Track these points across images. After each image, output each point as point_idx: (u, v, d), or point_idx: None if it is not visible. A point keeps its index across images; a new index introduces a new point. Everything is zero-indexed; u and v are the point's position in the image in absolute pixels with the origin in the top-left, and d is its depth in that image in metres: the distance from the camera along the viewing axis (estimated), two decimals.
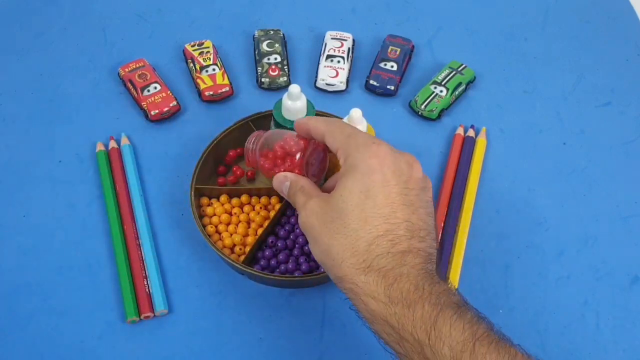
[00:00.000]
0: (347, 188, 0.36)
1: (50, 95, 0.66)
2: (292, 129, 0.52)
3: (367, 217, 0.35)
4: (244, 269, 0.49)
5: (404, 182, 0.36)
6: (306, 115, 0.52)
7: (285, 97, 0.51)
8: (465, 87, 0.66)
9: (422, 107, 0.63)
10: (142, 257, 0.53)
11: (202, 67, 0.66)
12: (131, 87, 0.64)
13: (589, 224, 0.57)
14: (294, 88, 0.50)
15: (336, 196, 0.36)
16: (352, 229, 0.35)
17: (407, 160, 0.38)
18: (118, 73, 0.66)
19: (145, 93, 0.63)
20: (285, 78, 0.66)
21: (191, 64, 0.67)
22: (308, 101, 0.53)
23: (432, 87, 0.65)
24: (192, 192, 0.53)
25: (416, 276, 0.34)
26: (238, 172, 0.58)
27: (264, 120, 0.59)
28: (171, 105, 0.63)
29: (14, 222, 0.56)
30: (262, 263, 0.52)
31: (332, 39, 0.70)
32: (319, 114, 0.56)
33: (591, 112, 0.66)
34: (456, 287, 0.52)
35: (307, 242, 0.53)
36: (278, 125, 0.53)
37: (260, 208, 0.55)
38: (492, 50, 0.72)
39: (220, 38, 0.71)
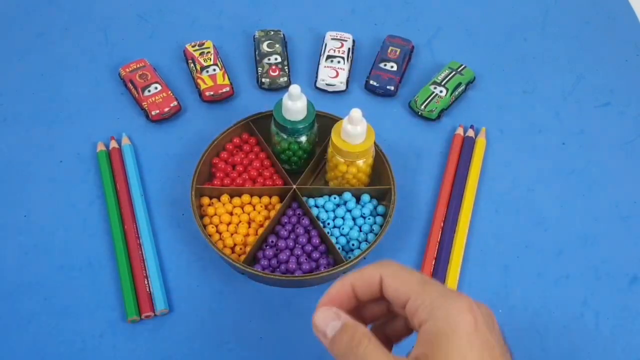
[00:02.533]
0: (460, 349, 0.27)
1: (51, 95, 0.66)
2: (292, 129, 0.53)
3: None
4: (245, 268, 0.49)
5: (496, 338, 0.29)
6: (306, 116, 0.51)
7: (285, 97, 0.51)
8: (465, 88, 0.66)
9: (422, 107, 0.64)
10: (142, 257, 0.53)
11: (203, 68, 0.66)
12: (132, 87, 0.65)
13: (589, 224, 0.57)
14: (294, 89, 0.49)
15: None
16: None
17: (487, 309, 0.30)
18: (119, 73, 0.67)
19: (146, 93, 0.63)
20: (285, 78, 0.66)
21: (192, 64, 0.67)
22: (308, 102, 0.53)
23: (431, 87, 0.65)
24: (193, 192, 0.53)
25: None
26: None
27: (264, 120, 0.59)
28: (172, 105, 0.63)
29: (15, 222, 0.56)
30: (262, 263, 0.52)
31: (332, 39, 0.70)
32: (319, 114, 0.56)
33: (591, 112, 0.66)
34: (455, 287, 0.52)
35: (308, 242, 0.53)
36: (278, 126, 0.53)
37: (261, 208, 0.55)
38: (491, 51, 0.72)
39: (220, 38, 0.71)
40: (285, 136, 0.54)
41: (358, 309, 0.32)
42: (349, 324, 0.29)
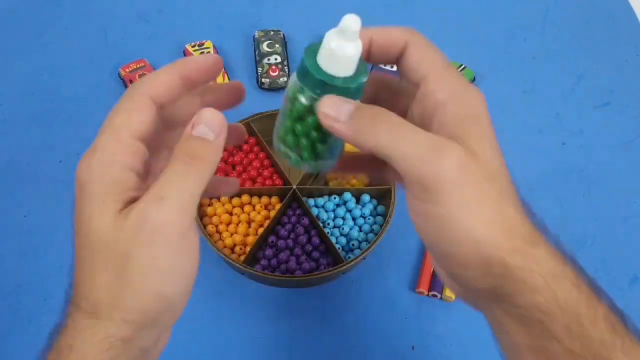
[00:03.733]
0: (491, 139, 0.27)
1: (51, 96, 0.66)
2: (342, 88, 0.27)
3: (510, 179, 0.27)
4: (245, 268, 0.49)
5: None
6: (358, 71, 0.27)
7: (332, 34, 0.27)
8: None
9: None
10: None
11: None
12: None
13: (588, 224, 0.57)
14: (351, 21, 0.27)
15: (486, 148, 0.26)
16: (512, 194, 0.26)
17: None
18: (119, 73, 0.67)
19: None
20: (285, 78, 0.66)
21: None
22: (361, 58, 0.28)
23: None
24: None
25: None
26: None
27: (264, 120, 0.59)
28: None
29: (15, 222, 0.56)
30: (262, 263, 0.52)
31: None
32: None
33: (590, 112, 0.66)
34: None
35: (308, 242, 0.53)
36: (310, 82, 0.27)
37: (261, 207, 0.55)
38: (491, 51, 0.72)
39: (220, 38, 0.71)
40: (307, 97, 0.28)
41: None
42: (364, 104, 0.26)
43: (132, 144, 0.26)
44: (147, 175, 0.27)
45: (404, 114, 0.28)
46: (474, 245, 0.24)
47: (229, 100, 0.32)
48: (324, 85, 0.27)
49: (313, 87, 0.27)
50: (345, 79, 0.27)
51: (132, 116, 0.27)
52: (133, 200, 0.25)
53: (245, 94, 0.32)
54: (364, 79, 0.27)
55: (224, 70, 0.66)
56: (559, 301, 0.24)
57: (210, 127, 0.26)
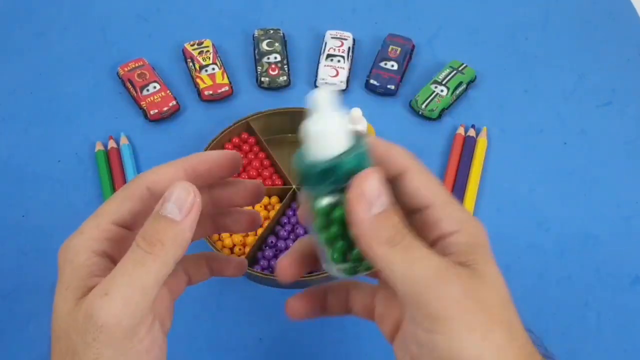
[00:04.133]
0: (495, 268, 0.26)
1: (49, 95, 0.65)
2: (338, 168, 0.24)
3: (515, 309, 0.26)
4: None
5: None
6: (354, 144, 0.25)
7: (308, 123, 0.24)
8: (466, 87, 0.66)
9: (423, 106, 0.63)
10: None
11: (202, 67, 0.66)
12: (130, 86, 0.64)
13: (590, 224, 0.57)
14: (322, 96, 0.24)
15: (490, 277, 0.24)
16: (519, 322, 0.25)
17: None
18: (117, 72, 0.66)
19: (145, 92, 0.63)
20: (285, 77, 0.66)
21: (190, 64, 0.67)
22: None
23: (432, 86, 0.65)
24: None
25: None
26: None
27: (264, 119, 0.59)
28: (170, 104, 0.63)
29: (13, 222, 0.55)
30: (262, 263, 0.52)
31: (332, 38, 0.69)
32: None
33: (592, 111, 0.66)
34: None
35: None
36: (311, 181, 0.25)
37: (261, 208, 0.55)
38: (492, 50, 0.72)
39: (219, 37, 0.71)
40: (324, 196, 0.25)
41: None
42: (395, 208, 0.24)
43: (112, 230, 0.26)
44: None
45: None
46: None
47: (245, 197, 0.30)
48: (328, 171, 0.24)
49: (320, 181, 0.24)
50: (344, 153, 0.24)
51: (121, 204, 0.26)
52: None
53: (263, 194, 0.31)
54: (365, 146, 0.24)
55: (223, 69, 0.66)
56: None
57: (178, 204, 0.24)
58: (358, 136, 0.25)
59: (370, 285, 0.30)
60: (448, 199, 0.26)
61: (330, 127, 0.23)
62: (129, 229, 0.27)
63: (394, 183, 0.26)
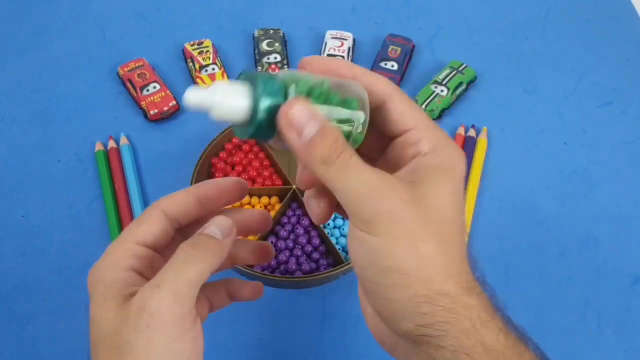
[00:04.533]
0: (450, 191, 0.27)
1: (49, 95, 0.65)
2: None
3: (465, 232, 0.29)
4: (244, 269, 0.49)
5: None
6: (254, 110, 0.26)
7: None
8: (466, 87, 0.66)
9: (423, 106, 0.63)
10: None
11: (202, 67, 0.66)
12: (130, 86, 0.64)
13: (590, 224, 0.57)
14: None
15: (441, 195, 0.26)
16: (458, 242, 0.26)
17: None
18: (117, 72, 0.66)
19: (145, 92, 0.63)
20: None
21: (191, 63, 0.67)
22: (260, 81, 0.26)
23: (432, 86, 0.65)
24: None
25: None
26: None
27: None
28: (170, 104, 0.63)
29: (13, 222, 0.55)
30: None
31: (332, 38, 0.69)
32: None
33: (592, 111, 0.66)
34: None
35: (308, 242, 0.53)
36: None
37: (261, 208, 0.55)
38: (492, 50, 0.72)
39: (219, 37, 0.71)
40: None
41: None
42: (331, 129, 0.25)
43: (134, 249, 0.29)
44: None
45: (381, 148, 0.29)
46: (401, 277, 0.25)
47: (252, 224, 0.33)
48: (255, 124, 0.25)
49: (260, 133, 0.25)
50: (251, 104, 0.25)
51: (141, 227, 0.30)
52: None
53: (271, 223, 0.34)
54: (271, 84, 0.25)
55: (223, 69, 0.66)
56: (485, 345, 0.24)
57: (220, 228, 0.29)
58: (247, 79, 0.25)
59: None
60: (429, 123, 0.28)
61: (223, 102, 0.25)
62: (150, 249, 0.29)
63: (379, 109, 0.28)
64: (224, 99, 0.25)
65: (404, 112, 0.28)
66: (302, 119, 0.24)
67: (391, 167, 0.28)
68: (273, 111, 0.25)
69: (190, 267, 0.27)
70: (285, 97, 0.25)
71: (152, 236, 0.29)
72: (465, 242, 0.27)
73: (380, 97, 0.28)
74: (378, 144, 0.29)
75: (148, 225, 0.30)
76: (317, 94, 0.25)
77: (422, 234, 0.25)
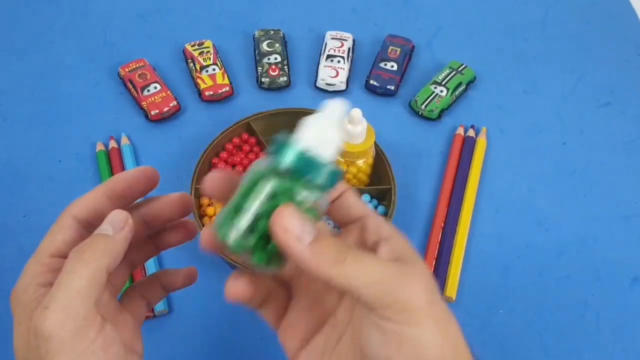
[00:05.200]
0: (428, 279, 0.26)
1: (50, 95, 0.66)
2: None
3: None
4: (244, 269, 0.49)
5: None
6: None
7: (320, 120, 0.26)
8: (466, 87, 0.66)
9: (423, 107, 0.63)
10: None
11: (202, 67, 0.66)
12: (131, 87, 0.64)
13: (589, 224, 0.57)
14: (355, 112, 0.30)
15: (422, 271, 0.26)
16: (454, 322, 0.26)
17: None
18: (118, 73, 0.66)
19: (145, 93, 0.63)
20: (285, 78, 0.66)
21: (191, 64, 0.67)
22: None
23: (432, 87, 0.65)
24: (193, 192, 0.53)
25: None
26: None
27: (264, 120, 0.59)
28: (171, 105, 0.63)
29: (14, 223, 0.55)
30: None
31: (332, 38, 0.70)
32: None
33: (591, 112, 0.66)
34: (455, 289, 0.52)
35: None
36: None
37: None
38: (492, 51, 0.72)
39: (220, 38, 0.71)
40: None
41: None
42: (327, 231, 0.26)
43: (51, 263, 0.27)
44: None
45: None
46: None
47: (173, 210, 0.31)
48: (311, 164, 0.25)
49: (300, 168, 0.25)
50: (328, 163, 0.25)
51: (53, 237, 0.28)
52: None
53: (192, 204, 0.32)
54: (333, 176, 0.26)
55: (223, 69, 0.66)
56: None
57: (112, 224, 0.28)
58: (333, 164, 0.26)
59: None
60: (375, 212, 0.29)
61: (330, 135, 0.25)
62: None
63: (336, 201, 0.29)
64: (339, 133, 0.26)
65: (354, 202, 0.29)
66: (297, 226, 0.24)
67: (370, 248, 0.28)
68: (323, 179, 0.25)
69: (78, 274, 0.25)
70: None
71: (66, 245, 0.28)
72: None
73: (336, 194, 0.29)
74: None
75: (61, 234, 0.28)
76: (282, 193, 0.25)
77: (450, 317, 0.26)
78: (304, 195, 0.25)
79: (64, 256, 0.27)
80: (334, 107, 0.26)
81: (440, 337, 0.25)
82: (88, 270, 0.25)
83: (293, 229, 0.24)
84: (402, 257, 0.26)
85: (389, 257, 0.26)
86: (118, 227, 0.28)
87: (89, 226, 0.29)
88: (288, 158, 0.25)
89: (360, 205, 0.29)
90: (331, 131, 0.25)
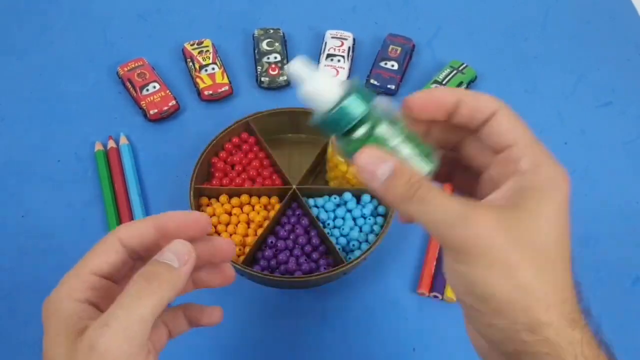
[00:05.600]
0: (553, 212, 0.26)
1: (49, 95, 0.65)
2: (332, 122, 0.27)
3: (569, 259, 0.26)
4: (244, 269, 0.49)
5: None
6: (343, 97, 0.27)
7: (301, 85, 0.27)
8: (466, 87, 0.66)
9: None
10: None
11: (202, 66, 0.66)
12: (130, 86, 0.64)
13: (590, 224, 0.57)
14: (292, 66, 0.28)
15: (541, 217, 0.25)
16: (561, 269, 0.25)
17: None
18: (117, 72, 0.66)
19: (144, 92, 0.63)
20: (285, 77, 0.66)
21: (190, 63, 0.67)
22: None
23: (433, 86, 0.65)
24: (192, 192, 0.53)
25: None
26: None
27: (263, 119, 0.59)
28: (170, 104, 0.63)
29: (13, 222, 0.55)
30: (262, 263, 0.52)
31: (332, 38, 0.69)
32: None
33: (592, 111, 0.66)
34: None
35: (307, 242, 0.53)
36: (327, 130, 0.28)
37: (260, 208, 0.55)
38: (492, 50, 0.72)
39: (219, 37, 0.71)
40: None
41: None
42: (403, 168, 0.26)
43: (90, 280, 0.28)
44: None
45: (484, 166, 0.29)
46: (500, 305, 0.25)
47: (216, 255, 0.32)
48: (334, 120, 0.27)
49: (336, 128, 0.27)
50: (340, 102, 0.27)
51: (97, 256, 0.29)
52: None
53: (234, 252, 0.33)
54: (357, 92, 0.27)
55: (222, 68, 0.66)
56: None
57: (177, 255, 0.28)
58: (349, 82, 0.27)
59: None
60: (532, 141, 0.28)
61: (316, 85, 0.27)
62: (107, 279, 0.29)
63: (484, 126, 0.28)
64: (320, 79, 0.27)
65: (507, 128, 0.28)
66: (371, 164, 0.26)
67: (494, 184, 0.27)
68: (351, 112, 0.26)
69: (143, 302, 0.26)
70: (369, 107, 0.27)
71: (109, 266, 0.29)
72: (570, 270, 0.26)
73: (486, 114, 0.28)
74: (484, 159, 0.29)
75: (105, 255, 0.29)
76: (396, 130, 0.27)
77: (518, 261, 0.24)
78: (384, 131, 0.27)
79: (104, 276, 0.28)
80: (296, 68, 0.27)
81: (507, 282, 0.24)
82: (152, 300, 0.26)
83: (368, 168, 0.26)
84: (515, 196, 0.26)
85: (503, 196, 0.26)
86: (182, 259, 0.28)
87: (132, 253, 0.30)
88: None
89: (513, 131, 0.28)
90: (316, 81, 0.27)
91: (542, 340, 0.24)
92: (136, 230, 0.30)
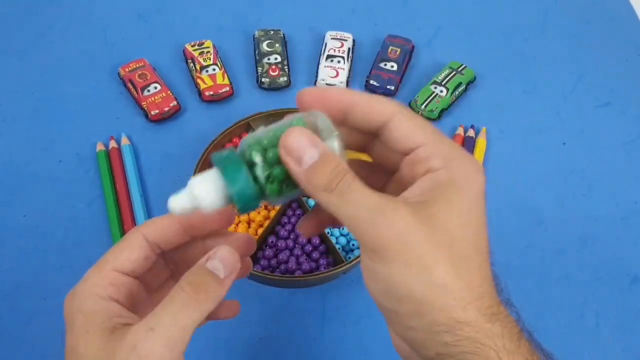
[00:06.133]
0: (467, 206, 0.25)
1: (50, 95, 0.66)
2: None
3: (486, 252, 0.26)
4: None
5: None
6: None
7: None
8: (466, 87, 0.66)
9: (422, 107, 0.64)
10: None
11: (202, 67, 0.66)
12: (131, 87, 0.64)
13: (589, 224, 0.57)
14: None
15: (454, 212, 0.25)
16: (477, 263, 0.25)
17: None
18: (118, 73, 0.66)
19: (146, 93, 0.63)
20: (285, 78, 0.66)
21: (191, 64, 0.67)
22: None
23: (432, 87, 0.65)
24: None
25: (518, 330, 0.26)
26: None
27: (264, 120, 0.59)
28: (171, 105, 0.63)
29: (14, 222, 0.56)
30: (262, 263, 0.52)
31: (332, 39, 0.70)
32: None
33: (591, 112, 0.66)
34: None
35: (308, 242, 0.53)
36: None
37: (261, 207, 0.55)
38: (492, 51, 0.72)
39: (220, 38, 0.71)
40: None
41: None
42: (330, 155, 0.25)
43: (113, 277, 0.28)
44: (135, 303, 0.29)
45: (393, 168, 0.29)
46: (417, 306, 0.24)
47: (238, 248, 0.32)
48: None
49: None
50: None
51: (121, 253, 0.29)
52: (122, 326, 0.26)
53: (255, 246, 0.33)
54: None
55: (223, 69, 0.66)
56: None
57: (224, 264, 0.27)
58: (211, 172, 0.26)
59: None
60: (439, 138, 0.27)
61: (203, 199, 0.26)
62: (130, 276, 0.29)
63: (384, 129, 0.27)
64: (203, 195, 0.26)
65: (407, 131, 0.27)
66: (300, 147, 0.25)
67: (405, 187, 0.27)
68: (244, 191, 0.25)
69: (189, 312, 0.26)
70: (252, 166, 0.26)
71: (132, 263, 0.29)
72: (488, 263, 0.26)
73: (381, 119, 0.27)
74: (394, 160, 0.28)
75: (128, 251, 0.29)
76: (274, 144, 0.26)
77: (433, 259, 0.24)
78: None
79: (126, 273, 0.29)
80: (179, 205, 0.27)
81: (423, 281, 0.24)
82: (197, 312, 0.26)
83: (295, 150, 0.25)
84: (427, 193, 0.25)
85: (417, 193, 0.25)
86: (229, 269, 0.28)
87: (156, 248, 0.30)
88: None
89: (416, 132, 0.27)
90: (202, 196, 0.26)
91: (464, 340, 0.24)
92: (160, 226, 0.30)
